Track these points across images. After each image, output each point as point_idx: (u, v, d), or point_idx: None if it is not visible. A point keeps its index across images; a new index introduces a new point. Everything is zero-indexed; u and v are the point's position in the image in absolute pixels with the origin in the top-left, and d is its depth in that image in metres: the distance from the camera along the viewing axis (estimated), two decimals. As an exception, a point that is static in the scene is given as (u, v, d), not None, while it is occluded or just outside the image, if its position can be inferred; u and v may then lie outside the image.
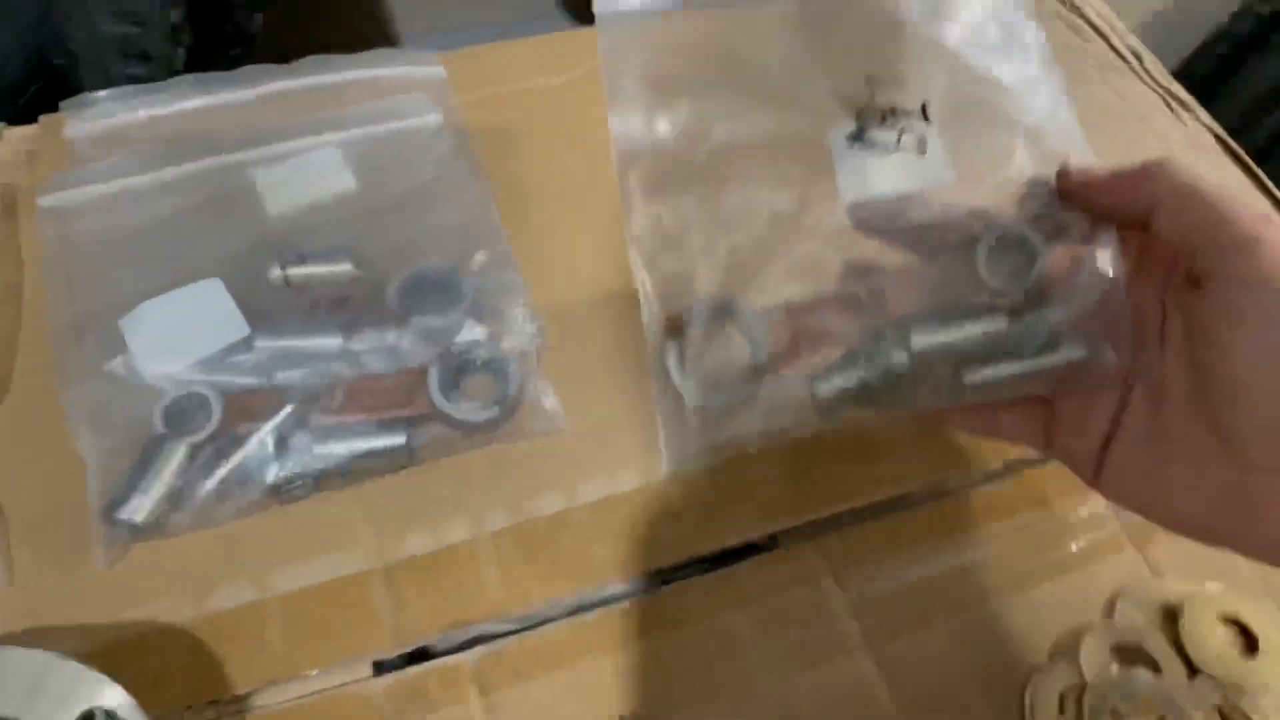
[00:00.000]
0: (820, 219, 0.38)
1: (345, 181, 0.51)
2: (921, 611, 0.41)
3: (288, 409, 0.40)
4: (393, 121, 0.53)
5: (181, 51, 0.54)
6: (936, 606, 0.41)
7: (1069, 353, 0.35)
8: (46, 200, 0.48)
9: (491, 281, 0.46)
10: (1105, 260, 0.35)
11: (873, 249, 0.37)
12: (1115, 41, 0.61)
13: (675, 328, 0.37)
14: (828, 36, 0.41)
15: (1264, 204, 0.37)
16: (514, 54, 0.58)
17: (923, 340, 0.35)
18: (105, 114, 0.52)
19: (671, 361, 0.37)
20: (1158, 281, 0.33)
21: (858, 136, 0.38)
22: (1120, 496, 0.33)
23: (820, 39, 0.40)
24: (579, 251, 0.49)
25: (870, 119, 0.38)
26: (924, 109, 0.38)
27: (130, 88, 0.53)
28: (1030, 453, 0.41)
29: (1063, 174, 0.35)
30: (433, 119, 0.53)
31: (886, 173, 0.38)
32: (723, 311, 0.37)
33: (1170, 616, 0.40)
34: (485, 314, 0.45)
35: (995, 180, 0.38)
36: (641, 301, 0.37)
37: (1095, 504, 0.44)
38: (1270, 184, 0.54)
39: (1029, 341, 0.35)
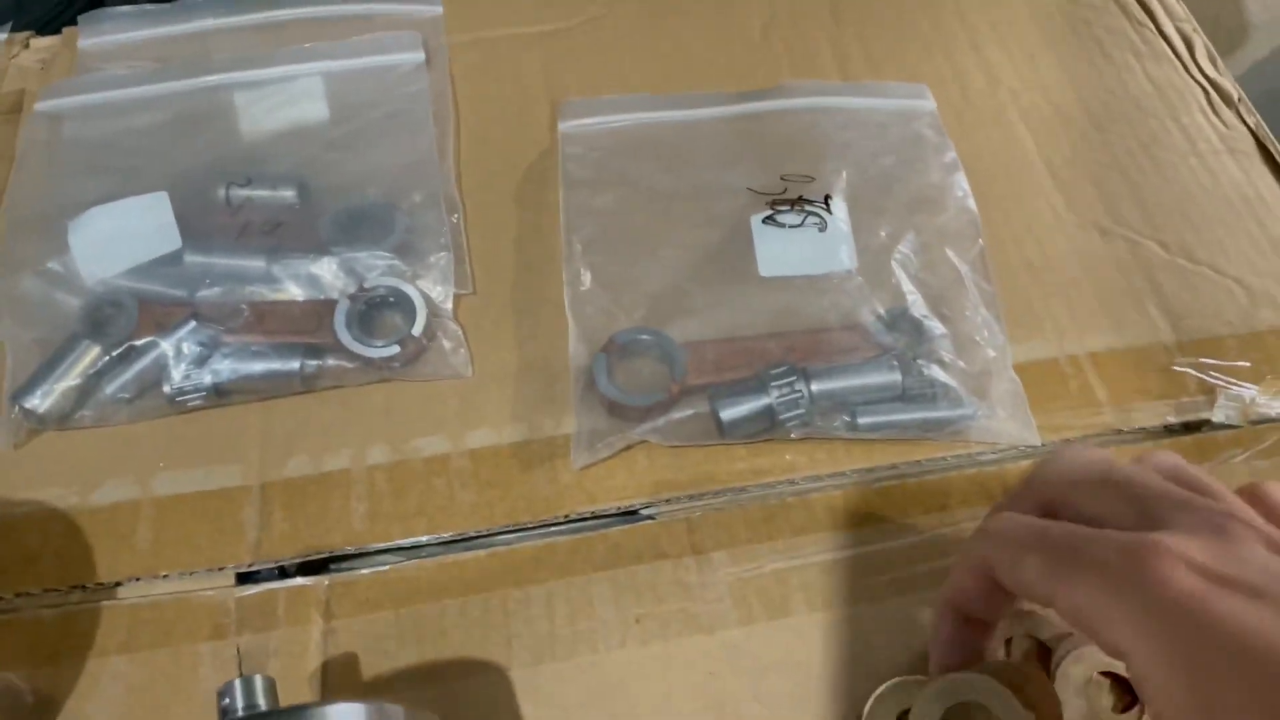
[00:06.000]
0: (734, 278, 0.45)
1: (320, 110, 0.52)
2: (784, 599, 0.39)
3: (191, 324, 0.42)
4: (376, 56, 0.53)
5: (201, -26, 0.57)
6: (799, 597, 0.39)
7: (953, 409, 0.42)
8: (41, 105, 0.51)
9: (421, 222, 0.46)
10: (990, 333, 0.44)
11: (782, 301, 0.45)
12: (1166, 27, 0.56)
13: (608, 345, 0.43)
14: (752, 141, 0.50)
15: None
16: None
17: (823, 382, 0.41)
18: (117, 29, 0.55)
19: (599, 368, 0.42)
20: None
21: (771, 219, 0.46)
22: None
23: (745, 143, 0.50)
24: (525, 202, 0.49)
25: (781, 206, 0.47)
26: (826, 200, 0.47)
27: (147, 6, 0.56)
28: (944, 451, 0.42)
29: None
30: (415, 57, 0.53)
31: (793, 246, 0.46)
32: (649, 338, 0.43)
33: (1045, 655, 0.37)
34: (409, 254, 0.46)
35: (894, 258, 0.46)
36: (570, 329, 0.44)
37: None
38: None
39: (918, 395, 0.42)
